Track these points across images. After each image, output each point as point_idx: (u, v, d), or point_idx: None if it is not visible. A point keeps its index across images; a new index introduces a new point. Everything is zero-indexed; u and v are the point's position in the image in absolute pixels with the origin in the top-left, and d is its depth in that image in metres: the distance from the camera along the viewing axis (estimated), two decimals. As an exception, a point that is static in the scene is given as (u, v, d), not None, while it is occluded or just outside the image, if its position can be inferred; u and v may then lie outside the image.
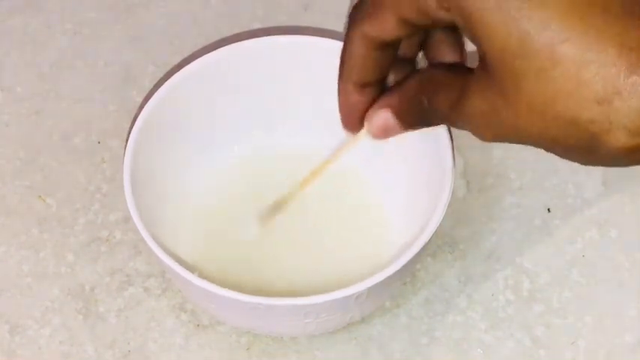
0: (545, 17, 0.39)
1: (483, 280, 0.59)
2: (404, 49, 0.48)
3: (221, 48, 0.58)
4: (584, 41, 0.39)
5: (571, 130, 0.40)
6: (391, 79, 0.49)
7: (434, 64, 0.48)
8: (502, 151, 0.63)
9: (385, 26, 0.45)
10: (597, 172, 0.62)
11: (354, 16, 0.46)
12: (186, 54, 0.66)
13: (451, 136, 0.54)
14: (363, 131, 0.49)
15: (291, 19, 0.69)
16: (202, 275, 0.50)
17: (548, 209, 0.61)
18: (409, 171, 0.58)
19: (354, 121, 0.49)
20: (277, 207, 0.56)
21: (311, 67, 0.58)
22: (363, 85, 0.48)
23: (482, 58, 0.41)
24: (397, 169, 0.59)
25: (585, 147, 0.41)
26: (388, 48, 0.46)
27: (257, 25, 0.68)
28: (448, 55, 0.48)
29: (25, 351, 0.57)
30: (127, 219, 0.60)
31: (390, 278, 0.50)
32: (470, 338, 0.57)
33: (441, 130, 0.54)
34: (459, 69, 0.45)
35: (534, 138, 0.42)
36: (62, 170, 0.63)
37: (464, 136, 0.63)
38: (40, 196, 0.62)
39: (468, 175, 0.62)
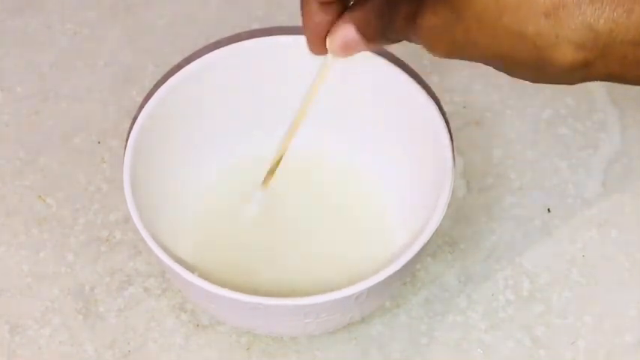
0: None
1: (483, 280, 0.59)
2: None
3: (221, 48, 0.58)
4: None
5: (519, 45, 0.41)
6: None
7: None
8: (502, 151, 0.63)
9: None
10: (597, 172, 0.62)
11: None
12: (186, 54, 0.66)
13: (451, 136, 0.54)
14: (330, 55, 0.50)
15: (291, 19, 0.68)
16: (202, 275, 0.50)
17: (548, 209, 0.61)
18: (409, 171, 0.58)
19: (319, 41, 0.50)
20: (273, 168, 0.57)
21: (311, 67, 0.58)
22: (325, 3, 0.49)
23: None
24: (397, 170, 0.59)
25: (533, 62, 0.41)
26: None
27: (257, 25, 0.68)
28: None
29: (25, 351, 0.57)
30: (127, 219, 0.60)
31: (390, 278, 0.50)
32: (470, 338, 0.57)
33: (441, 130, 0.54)
34: None
35: (484, 54, 0.42)
36: (62, 170, 0.63)
37: (464, 136, 0.64)
38: (40, 196, 0.62)
39: (467, 175, 0.62)
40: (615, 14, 0.39)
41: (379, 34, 0.48)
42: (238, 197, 0.60)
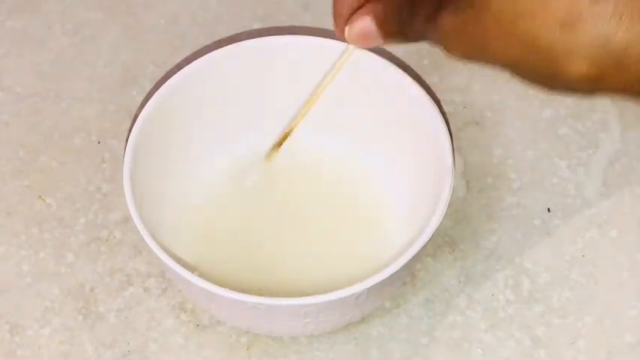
0: None
1: (483, 280, 0.59)
2: None
3: (221, 48, 0.58)
4: None
5: (533, 53, 0.40)
6: None
7: None
8: (502, 151, 0.63)
9: None
10: (597, 172, 0.62)
11: None
12: (186, 54, 0.66)
13: (451, 136, 0.54)
14: (352, 45, 0.51)
15: (291, 19, 0.69)
16: (202, 275, 0.50)
17: (548, 209, 0.61)
18: (409, 171, 0.58)
19: (343, 26, 0.50)
20: (279, 142, 0.57)
21: (311, 67, 0.58)
22: None
23: None
24: (397, 169, 0.59)
25: (546, 72, 0.41)
26: None
27: (257, 25, 0.68)
28: None
29: (25, 351, 0.57)
30: (127, 219, 0.60)
31: (390, 278, 0.50)
32: (470, 338, 0.57)
33: (441, 130, 0.54)
34: None
35: (499, 58, 0.42)
36: (62, 170, 0.63)
37: (464, 136, 0.64)
38: (40, 196, 0.62)
39: (467, 175, 0.62)
40: (632, 30, 0.38)
41: (396, 31, 0.48)
42: (238, 197, 0.60)
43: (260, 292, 0.50)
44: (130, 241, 0.60)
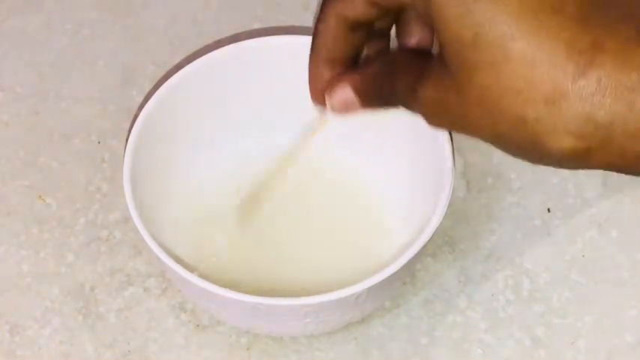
0: (499, 12, 0.39)
1: (483, 280, 0.59)
2: (378, 23, 0.48)
3: (221, 48, 0.58)
4: (536, 40, 0.39)
5: (517, 129, 0.40)
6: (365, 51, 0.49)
7: (400, 48, 0.49)
8: (502, 151, 0.63)
9: (356, 7, 0.46)
10: (597, 172, 0.62)
11: None
12: (186, 54, 0.66)
13: (451, 136, 0.54)
14: (330, 112, 0.50)
15: (291, 19, 0.69)
16: (202, 275, 0.50)
17: (548, 209, 0.61)
18: (409, 171, 0.58)
19: (321, 95, 0.50)
20: (254, 202, 0.57)
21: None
22: (333, 61, 0.48)
23: (441, 46, 0.42)
24: (397, 169, 0.59)
25: (531, 147, 0.40)
26: (360, 28, 0.47)
27: (257, 25, 0.68)
28: (417, 34, 0.48)
29: (25, 351, 0.57)
30: (127, 219, 0.60)
31: (390, 278, 0.50)
32: (470, 338, 0.57)
33: (440, 131, 0.54)
34: (422, 54, 0.45)
35: (481, 132, 0.42)
36: (62, 170, 0.63)
37: (464, 136, 0.63)
38: (40, 196, 0.62)
39: (467, 175, 0.62)
40: (616, 106, 0.38)
41: (376, 100, 0.47)
42: (238, 197, 0.60)
43: (260, 293, 0.50)
44: (130, 241, 0.60)
